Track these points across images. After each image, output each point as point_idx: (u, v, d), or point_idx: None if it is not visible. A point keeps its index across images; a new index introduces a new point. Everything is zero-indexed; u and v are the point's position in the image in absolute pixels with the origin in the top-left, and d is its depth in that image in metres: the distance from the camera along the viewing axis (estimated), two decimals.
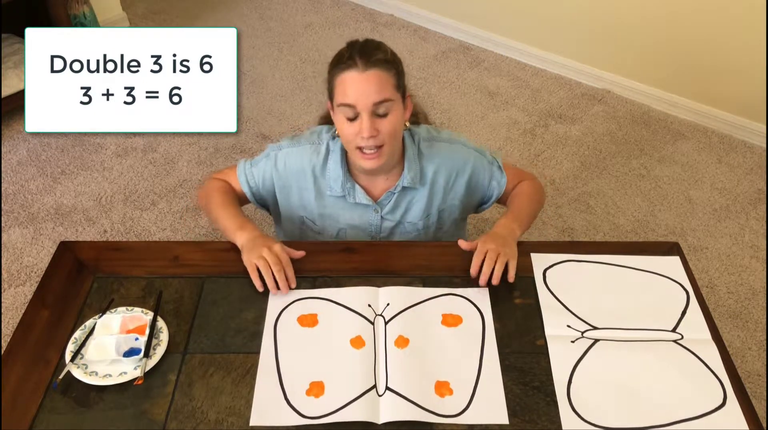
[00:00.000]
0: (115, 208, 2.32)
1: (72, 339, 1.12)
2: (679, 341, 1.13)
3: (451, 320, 1.17)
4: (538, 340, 1.15)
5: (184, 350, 1.13)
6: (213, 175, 1.45)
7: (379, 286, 1.22)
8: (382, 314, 1.17)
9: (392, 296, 1.20)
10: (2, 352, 1.12)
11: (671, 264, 1.27)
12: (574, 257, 1.28)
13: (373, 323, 1.15)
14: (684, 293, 1.22)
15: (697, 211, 2.35)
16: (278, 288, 1.20)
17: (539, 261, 1.27)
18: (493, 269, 1.20)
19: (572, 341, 1.13)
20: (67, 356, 1.09)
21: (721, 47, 2.54)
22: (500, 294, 1.23)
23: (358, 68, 1.19)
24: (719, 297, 2.06)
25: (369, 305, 1.19)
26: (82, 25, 2.88)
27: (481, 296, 1.22)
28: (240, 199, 1.42)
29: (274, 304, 1.20)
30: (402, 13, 3.39)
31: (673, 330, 1.15)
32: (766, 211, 2.35)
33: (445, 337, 1.14)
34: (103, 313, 1.16)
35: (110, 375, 1.07)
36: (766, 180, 2.48)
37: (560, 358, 1.10)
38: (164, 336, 1.13)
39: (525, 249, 1.33)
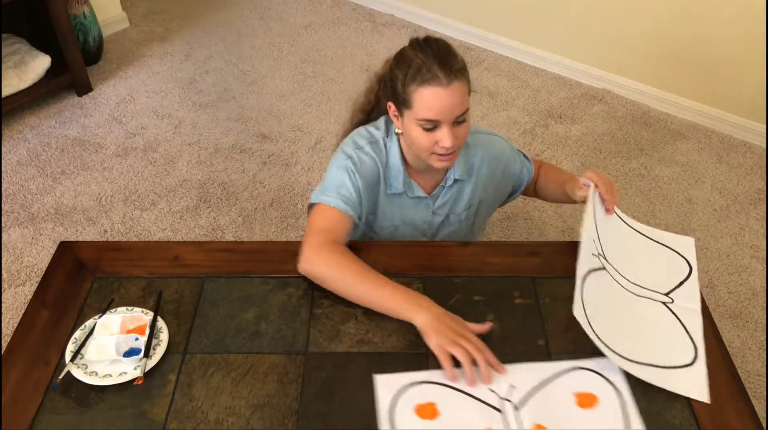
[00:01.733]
0: (115, 208, 2.32)
1: (72, 339, 1.12)
2: (668, 304, 1.18)
3: (586, 401, 1.03)
4: (538, 340, 1.15)
5: (184, 350, 1.13)
6: (308, 240, 1.22)
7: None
8: (509, 399, 1.03)
9: (515, 375, 1.06)
10: (2, 352, 1.12)
11: (684, 242, 1.34)
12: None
13: (501, 411, 1.01)
14: (688, 268, 1.26)
15: (697, 211, 2.35)
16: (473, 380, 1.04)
17: None
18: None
19: (593, 254, 1.19)
20: (67, 356, 1.09)
21: (722, 47, 2.54)
22: (500, 294, 1.23)
23: (441, 83, 1.16)
24: (719, 297, 2.06)
25: (492, 390, 1.04)
26: (83, 24, 2.89)
27: (611, 367, 1.07)
28: (347, 235, 1.28)
29: (384, 389, 1.04)
30: (402, 13, 3.39)
31: (666, 294, 1.19)
32: (766, 212, 2.35)
33: (583, 421, 1.00)
34: (103, 313, 1.16)
35: (110, 375, 1.07)
36: (766, 180, 2.48)
37: (582, 258, 1.15)
38: (164, 336, 1.13)
39: (525, 249, 1.33)
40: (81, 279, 1.25)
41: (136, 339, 1.12)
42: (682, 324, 1.15)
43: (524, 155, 1.50)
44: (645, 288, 1.20)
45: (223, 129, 2.69)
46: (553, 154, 2.57)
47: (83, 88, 2.84)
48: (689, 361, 1.09)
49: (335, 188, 1.28)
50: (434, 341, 1.06)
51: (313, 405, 1.05)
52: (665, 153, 2.60)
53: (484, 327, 1.11)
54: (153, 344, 1.12)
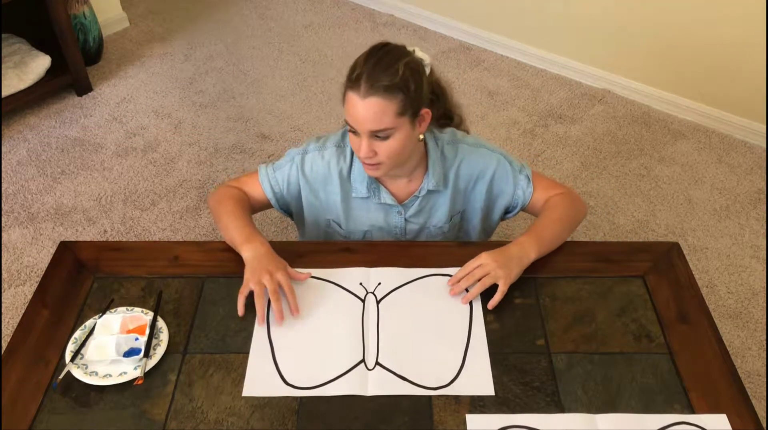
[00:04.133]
0: (115, 208, 2.32)
1: (72, 339, 1.12)
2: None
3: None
4: (538, 340, 1.15)
5: (184, 350, 1.13)
6: (227, 182, 1.42)
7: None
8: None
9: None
10: (2, 352, 1.12)
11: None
12: None
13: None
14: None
15: (697, 211, 2.35)
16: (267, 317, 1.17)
17: None
18: (470, 287, 1.20)
19: None
20: (67, 356, 1.09)
21: (722, 47, 2.54)
22: None
23: (359, 93, 1.16)
24: (719, 297, 2.06)
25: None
26: (83, 24, 2.89)
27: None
28: (259, 206, 1.41)
29: None
30: (402, 13, 3.39)
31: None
32: (766, 212, 2.35)
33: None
34: (103, 313, 1.16)
35: (110, 375, 1.07)
36: (766, 180, 2.48)
37: None
38: (164, 336, 1.13)
39: None
40: (81, 279, 1.25)
41: (136, 339, 1.12)
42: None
43: (527, 176, 1.38)
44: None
45: (223, 129, 2.69)
46: (553, 154, 2.57)
47: (83, 88, 2.84)
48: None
49: (273, 169, 1.39)
50: (245, 276, 1.19)
51: (313, 405, 1.05)
52: (665, 153, 2.60)
53: (302, 276, 1.22)
54: (153, 344, 1.12)
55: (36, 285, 1.24)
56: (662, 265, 1.29)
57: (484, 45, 3.18)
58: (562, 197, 1.36)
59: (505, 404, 1.05)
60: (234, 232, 1.26)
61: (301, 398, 1.06)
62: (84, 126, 2.69)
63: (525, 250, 1.24)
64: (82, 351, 1.11)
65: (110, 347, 1.10)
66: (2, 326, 1.93)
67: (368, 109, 1.17)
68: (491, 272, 1.18)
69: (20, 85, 2.63)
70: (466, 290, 1.20)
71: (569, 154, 2.58)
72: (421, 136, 1.28)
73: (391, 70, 1.17)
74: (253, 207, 1.39)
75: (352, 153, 1.34)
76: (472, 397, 1.06)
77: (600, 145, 2.63)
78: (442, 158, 1.35)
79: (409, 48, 1.25)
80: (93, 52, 2.99)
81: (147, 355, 1.10)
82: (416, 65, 1.22)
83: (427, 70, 1.27)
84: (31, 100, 2.72)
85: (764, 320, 1.99)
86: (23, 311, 1.20)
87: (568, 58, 2.98)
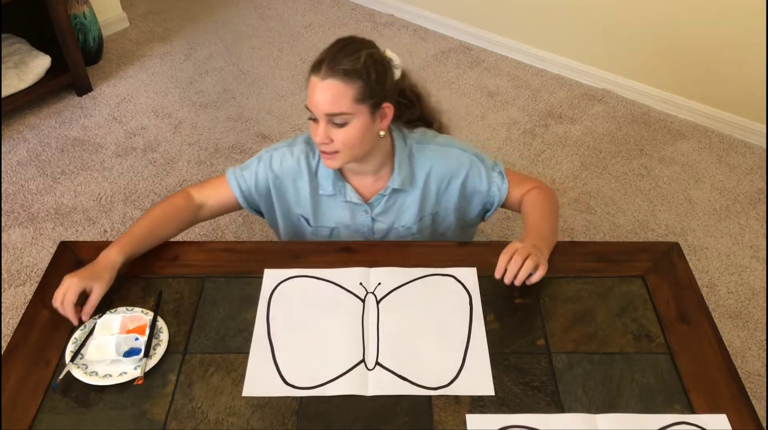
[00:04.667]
0: (115, 208, 2.32)
1: (72, 339, 1.12)
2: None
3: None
4: (538, 340, 1.15)
5: (184, 350, 1.13)
6: (190, 186, 1.40)
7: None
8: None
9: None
10: (2, 352, 1.12)
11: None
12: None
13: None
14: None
15: (697, 212, 2.35)
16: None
17: None
18: (520, 269, 1.17)
19: None
20: (67, 356, 1.10)
21: (721, 47, 2.54)
22: (500, 294, 1.23)
23: (319, 75, 1.18)
24: (719, 297, 2.06)
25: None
26: (83, 24, 2.89)
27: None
28: (223, 208, 1.40)
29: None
30: (402, 13, 3.39)
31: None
32: (766, 212, 2.35)
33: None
34: (103, 313, 1.16)
35: (110, 375, 1.07)
36: (766, 180, 2.48)
37: None
38: (164, 336, 1.13)
39: None
40: None
41: (136, 339, 1.12)
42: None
43: (500, 172, 1.38)
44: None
45: (223, 129, 2.69)
46: (553, 154, 2.57)
47: (83, 88, 2.84)
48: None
49: (241, 169, 1.39)
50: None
51: (313, 405, 1.05)
52: (665, 153, 2.60)
53: (74, 317, 1.15)
54: (153, 344, 1.12)
55: (36, 285, 1.24)
56: (662, 265, 1.29)
57: (484, 45, 3.18)
58: (539, 192, 1.37)
59: (505, 404, 1.05)
60: (128, 233, 1.27)
61: (301, 398, 1.06)
62: (84, 126, 2.69)
63: (537, 246, 1.23)
64: (82, 351, 1.11)
65: (110, 347, 1.10)
66: (2, 326, 1.93)
67: (325, 90, 1.18)
68: (531, 254, 1.18)
69: (20, 85, 2.63)
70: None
71: (569, 154, 2.58)
72: (383, 133, 1.27)
73: (353, 56, 1.19)
74: (213, 210, 1.39)
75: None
76: (472, 397, 1.06)
77: (600, 145, 2.63)
78: (410, 158, 1.35)
79: (381, 48, 1.27)
80: (93, 52, 2.99)
81: (147, 355, 1.10)
82: (380, 58, 1.24)
83: (397, 72, 1.28)
84: (31, 100, 2.72)
85: (764, 320, 1.99)
86: (23, 311, 1.19)
87: (568, 58, 2.98)
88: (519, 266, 1.17)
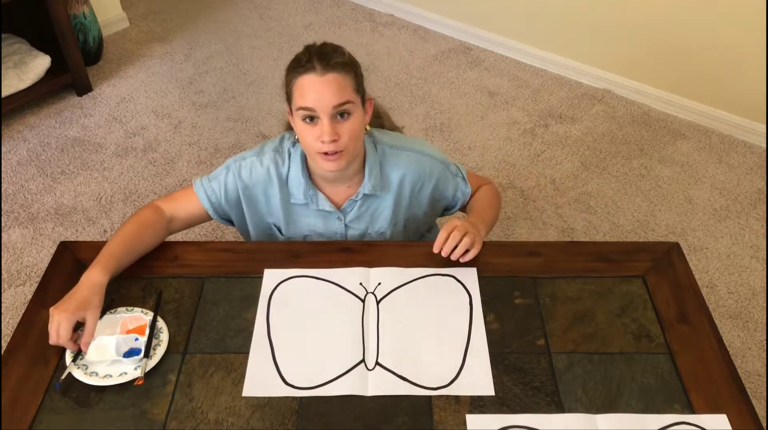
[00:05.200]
0: (115, 208, 2.32)
1: None
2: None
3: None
4: (538, 340, 1.15)
5: (184, 350, 1.13)
6: (156, 199, 1.37)
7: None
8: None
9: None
10: (2, 352, 1.12)
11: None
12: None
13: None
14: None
15: (697, 211, 2.35)
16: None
17: None
18: (457, 246, 1.23)
19: None
20: (68, 357, 1.09)
21: (721, 47, 2.54)
22: (500, 294, 1.23)
23: (316, 72, 1.17)
24: (719, 297, 2.06)
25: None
26: (83, 24, 2.89)
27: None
28: (192, 220, 1.38)
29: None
30: (402, 13, 3.39)
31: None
32: (766, 211, 2.35)
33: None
34: (103, 313, 1.16)
35: (110, 375, 1.07)
36: (766, 180, 2.48)
37: None
38: (164, 336, 1.13)
39: (525, 249, 1.33)
40: None
41: (136, 339, 1.12)
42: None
43: (463, 178, 1.42)
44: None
45: (223, 129, 2.69)
46: (553, 154, 2.57)
47: (83, 88, 2.84)
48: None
49: (209, 179, 1.36)
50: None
51: (313, 405, 1.05)
52: (665, 153, 2.60)
53: (74, 347, 1.11)
54: (153, 344, 1.12)
55: (36, 285, 1.24)
56: (662, 265, 1.29)
57: (484, 45, 3.18)
58: (489, 188, 1.48)
59: (505, 404, 1.05)
60: (105, 250, 1.22)
61: (301, 398, 1.06)
62: (84, 126, 2.69)
63: (475, 224, 1.30)
64: (83, 352, 1.11)
65: (110, 348, 1.09)
66: (2, 326, 1.93)
67: (329, 84, 1.17)
68: (469, 230, 1.24)
69: (20, 85, 2.63)
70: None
71: (569, 154, 2.58)
72: (368, 127, 1.30)
73: (338, 51, 1.22)
74: (183, 222, 1.36)
75: (290, 157, 1.32)
76: (472, 397, 1.06)
77: (600, 145, 2.63)
78: (383, 162, 1.33)
79: None
80: (93, 52, 2.99)
81: (147, 355, 1.09)
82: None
83: None
84: (31, 100, 2.72)
85: (764, 320, 1.99)
86: (23, 311, 1.19)
87: (568, 58, 2.98)
88: (457, 241, 1.23)
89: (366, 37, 3.25)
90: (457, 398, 1.06)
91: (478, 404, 1.05)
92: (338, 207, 1.36)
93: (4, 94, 2.60)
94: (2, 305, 1.99)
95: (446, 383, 1.08)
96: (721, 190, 2.44)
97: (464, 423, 1.02)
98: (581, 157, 2.56)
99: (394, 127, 1.50)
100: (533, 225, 2.28)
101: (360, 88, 1.23)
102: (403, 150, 1.36)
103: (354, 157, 1.27)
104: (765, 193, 2.42)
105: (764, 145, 2.61)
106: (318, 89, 1.18)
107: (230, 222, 1.43)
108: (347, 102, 1.19)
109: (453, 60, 3.11)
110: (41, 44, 2.76)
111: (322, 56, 1.19)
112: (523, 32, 3.05)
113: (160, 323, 1.15)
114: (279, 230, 1.40)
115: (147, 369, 1.08)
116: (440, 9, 3.26)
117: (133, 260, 1.26)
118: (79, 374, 1.07)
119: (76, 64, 2.75)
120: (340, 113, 1.19)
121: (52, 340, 1.10)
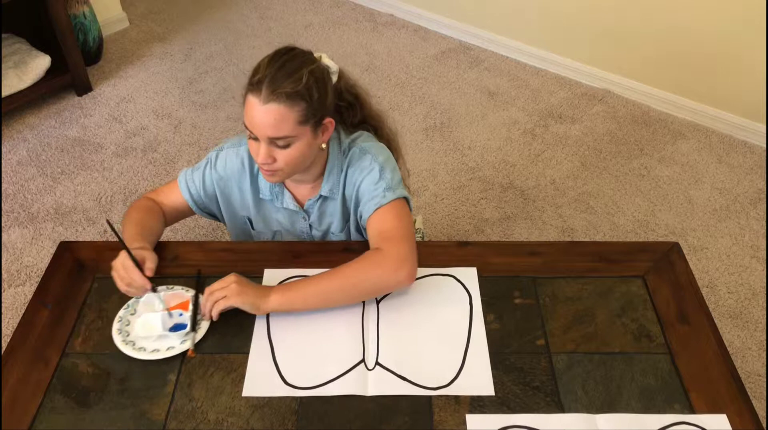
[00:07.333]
0: (115, 208, 2.32)
1: (117, 317, 1.16)
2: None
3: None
4: (538, 340, 1.15)
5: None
6: (146, 193, 1.39)
7: None
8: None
9: None
10: (2, 352, 1.12)
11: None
12: None
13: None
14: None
15: (697, 211, 2.35)
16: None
17: None
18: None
19: None
20: (115, 336, 1.12)
21: (722, 47, 2.54)
22: (500, 294, 1.23)
23: (260, 98, 1.12)
24: (719, 297, 2.06)
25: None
26: (83, 24, 2.89)
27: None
28: (178, 214, 1.38)
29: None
30: (402, 13, 3.39)
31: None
32: (766, 212, 2.35)
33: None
34: (154, 289, 1.18)
35: (158, 350, 1.11)
36: (766, 180, 2.48)
37: None
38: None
39: (525, 249, 1.33)
40: (81, 279, 1.25)
41: (180, 315, 1.16)
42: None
43: (388, 203, 1.23)
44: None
45: (223, 129, 2.69)
46: (553, 154, 2.57)
47: (83, 88, 2.84)
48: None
49: (192, 171, 1.36)
50: None
51: (313, 405, 1.05)
52: (665, 153, 2.60)
53: (143, 281, 1.16)
54: (197, 319, 1.15)
55: (36, 285, 1.24)
56: (662, 265, 1.29)
57: (484, 45, 3.18)
58: (374, 255, 1.18)
59: (505, 404, 1.05)
60: (126, 236, 1.23)
61: (301, 398, 1.06)
62: (84, 126, 2.69)
63: (266, 300, 1.15)
64: (128, 328, 1.14)
65: (157, 323, 1.13)
66: (2, 326, 1.93)
67: (268, 115, 1.12)
68: (228, 296, 1.13)
69: (20, 85, 2.63)
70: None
71: (569, 154, 2.58)
72: (324, 146, 1.24)
73: (295, 76, 1.13)
74: (171, 215, 1.37)
75: None
76: (472, 397, 1.06)
77: (600, 145, 2.63)
78: (347, 165, 1.30)
79: (317, 54, 1.22)
80: (93, 52, 2.99)
81: (194, 329, 1.13)
82: (321, 73, 1.18)
83: (334, 78, 1.23)
84: (31, 100, 2.72)
85: (764, 320, 1.99)
86: (23, 311, 1.19)
87: (568, 58, 2.98)
88: (212, 302, 1.14)
89: (366, 37, 3.25)
90: (457, 398, 1.06)
91: (478, 404, 1.05)
92: (303, 207, 1.35)
93: (4, 94, 2.60)
94: (2, 305, 2.00)
95: (446, 383, 1.08)
96: (721, 190, 2.44)
97: (464, 423, 1.02)
98: (581, 157, 2.56)
99: (391, 131, 1.47)
100: (533, 225, 2.28)
101: (312, 117, 1.16)
102: (363, 158, 1.29)
103: (295, 173, 1.24)
104: (765, 193, 2.42)
105: (764, 145, 2.61)
106: (257, 116, 1.13)
107: (214, 216, 1.42)
108: (285, 137, 1.14)
109: (453, 60, 3.11)
110: (41, 44, 2.76)
111: (272, 81, 1.12)
112: (523, 32, 3.05)
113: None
114: (251, 224, 1.40)
115: (195, 342, 1.11)
116: (440, 9, 3.26)
117: (155, 242, 1.29)
118: (128, 350, 1.10)
119: (76, 64, 2.75)
120: (279, 143, 1.16)
121: (121, 277, 1.15)
